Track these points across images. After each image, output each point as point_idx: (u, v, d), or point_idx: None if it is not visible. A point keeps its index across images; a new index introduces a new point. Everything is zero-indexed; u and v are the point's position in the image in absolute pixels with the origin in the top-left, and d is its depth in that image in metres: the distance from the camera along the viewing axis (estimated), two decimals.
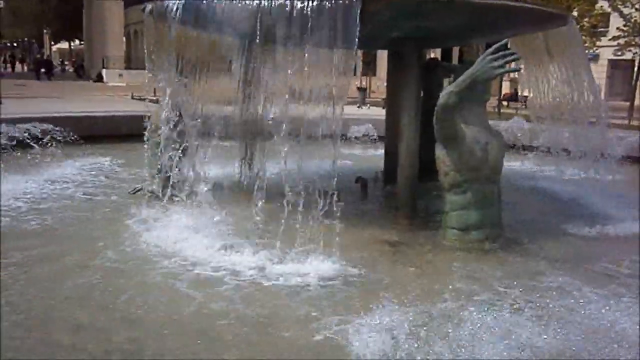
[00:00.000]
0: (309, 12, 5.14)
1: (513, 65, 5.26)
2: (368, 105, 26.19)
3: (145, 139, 7.07)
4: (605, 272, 5.25)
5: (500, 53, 5.10)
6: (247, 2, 5.53)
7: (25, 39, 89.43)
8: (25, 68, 68.89)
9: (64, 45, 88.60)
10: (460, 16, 5.95)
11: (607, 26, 34.25)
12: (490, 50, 5.13)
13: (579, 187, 8.12)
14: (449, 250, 5.62)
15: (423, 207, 6.90)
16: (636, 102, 28.66)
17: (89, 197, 7.41)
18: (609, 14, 31.90)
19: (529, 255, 5.59)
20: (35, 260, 4.93)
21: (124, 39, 62.31)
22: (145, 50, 6.87)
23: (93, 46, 62.42)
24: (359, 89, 32.28)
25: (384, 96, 13.72)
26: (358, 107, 24.06)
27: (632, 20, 28.61)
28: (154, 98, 6.91)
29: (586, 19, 30.10)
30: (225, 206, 5.89)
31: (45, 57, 66.22)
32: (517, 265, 5.31)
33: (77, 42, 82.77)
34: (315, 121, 5.25)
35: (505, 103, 30.13)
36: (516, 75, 22.77)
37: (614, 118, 19.21)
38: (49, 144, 8.96)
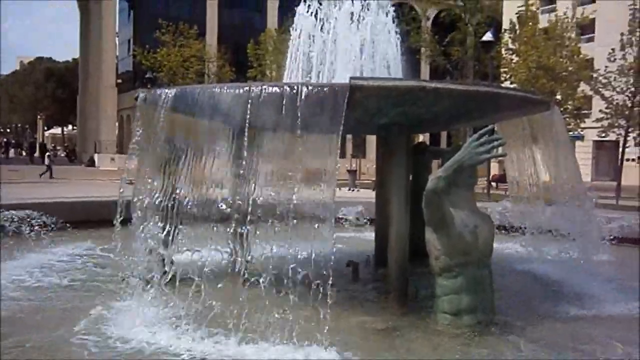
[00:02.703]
0: (297, 100, 5.27)
1: (499, 150, 5.36)
2: (357, 188, 26.22)
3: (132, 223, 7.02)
4: (602, 356, 5.18)
5: (486, 138, 5.19)
6: (238, 90, 5.68)
7: (19, 124, 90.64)
8: (20, 153, 69.49)
9: (57, 130, 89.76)
10: (446, 103, 6.11)
11: (590, 108, 35.16)
12: (476, 136, 5.23)
13: (567, 268, 8.10)
14: (441, 336, 5.53)
15: (414, 290, 6.84)
16: (622, 183, 29.05)
17: (77, 284, 7.30)
18: (591, 97, 32.82)
19: (524, 340, 5.49)
20: None
21: (117, 123, 63.23)
22: (137, 135, 6.95)
23: (86, 131, 63.31)
24: (349, 171, 32.63)
25: (374, 178, 13.84)
26: (349, 189, 24.19)
27: (614, 102, 29.38)
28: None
29: (570, 102, 30.98)
30: (212, 292, 5.80)
31: (39, 142, 67.16)
32: (512, 351, 5.23)
33: (69, 127, 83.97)
34: (306, 204, 5.27)
35: (494, 184, 30.41)
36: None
37: (601, 198, 19.45)
38: (40, 230, 8.93)
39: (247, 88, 5.58)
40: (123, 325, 5.48)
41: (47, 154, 38.53)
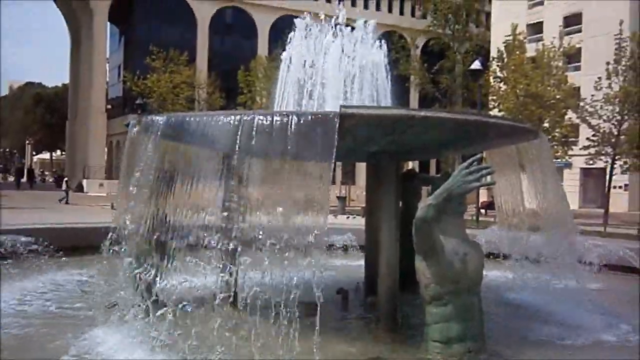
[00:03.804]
0: (289, 128, 5.30)
1: (488, 178, 5.40)
2: (354, 215, 25.92)
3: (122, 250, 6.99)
4: None
5: (474, 167, 5.22)
6: (229, 118, 5.70)
7: (7, 149, 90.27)
8: (5, 178, 69.07)
9: (46, 155, 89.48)
10: (435, 131, 6.17)
11: (577, 136, 35.53)
12: (464, 164, 5.25)
13: (555, 295, 8.12)
14: None
15: (404, 318, 6.83)
16: (610, 210, 29.26)
17: (63, 311, 7.23)
18: (578, 125, 33.18)
19: None
20: None
21: (106, 149, 63.10)
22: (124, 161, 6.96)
23: (75, 156, 63.06)
24: (339, 197, 32.66)
25: (363, 204, 13.84)
26: (335, 216, 24.06)
27: (601, 130, 29.73)
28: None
29: (557, 130, 31.28)
30: (202, 319, 5.75)
31: (27, 167, 66.92)
32: None
33: (58, 152, 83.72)
34: (297, 231, 5.27)
35: (483, 211, 30.52)
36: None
37: (589, 225, 19.57)
38: (28, 256, 8.89)
39: (239, 117, 5.60)
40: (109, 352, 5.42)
41: (65, 179, 39.56)
